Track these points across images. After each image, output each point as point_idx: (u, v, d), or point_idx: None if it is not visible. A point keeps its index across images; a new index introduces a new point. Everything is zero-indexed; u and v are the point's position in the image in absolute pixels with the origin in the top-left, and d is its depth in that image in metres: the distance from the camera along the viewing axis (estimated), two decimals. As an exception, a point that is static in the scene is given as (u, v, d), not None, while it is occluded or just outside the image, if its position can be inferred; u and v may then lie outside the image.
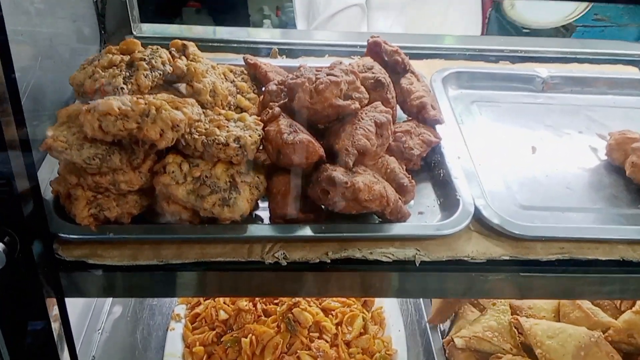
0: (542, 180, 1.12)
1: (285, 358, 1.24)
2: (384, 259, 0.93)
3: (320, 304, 1.37)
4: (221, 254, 0.92)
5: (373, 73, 1.09)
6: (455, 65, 1.44)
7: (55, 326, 1.00)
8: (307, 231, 0.93)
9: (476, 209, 0.98)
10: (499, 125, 1.28)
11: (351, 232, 0.93)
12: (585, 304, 1.34)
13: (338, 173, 0.89)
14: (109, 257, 0.90)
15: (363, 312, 1.41)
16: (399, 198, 0.97)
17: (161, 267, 0.91)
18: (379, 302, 1.50)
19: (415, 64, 1.24)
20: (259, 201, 0.99)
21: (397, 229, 0.94)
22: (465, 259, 0.94)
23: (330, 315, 1.36)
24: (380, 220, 0.97)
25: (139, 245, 0.92)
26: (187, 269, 0.92)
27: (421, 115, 1.13)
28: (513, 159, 1.17)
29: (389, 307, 1.50)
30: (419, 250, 0.93)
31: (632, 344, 1.30)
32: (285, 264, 0.92)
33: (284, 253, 0.92)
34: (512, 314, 1.35)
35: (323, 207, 0.96)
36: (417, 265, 0.93)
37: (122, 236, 0.90)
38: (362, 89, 1.03)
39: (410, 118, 1.15)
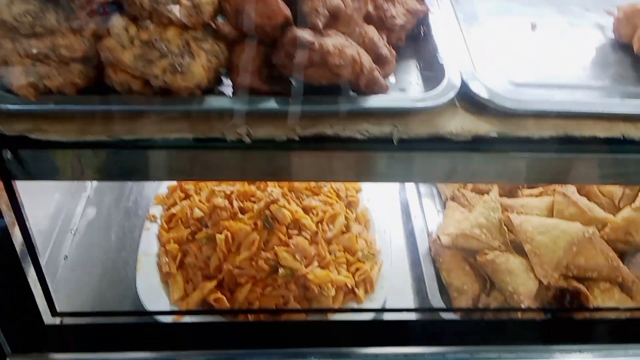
0: (540, 57, 1.01)
1: (262, 254, 1.19)
2: (358, 136, 0.84)
3: (300, 202, 1.31)
4: (178, 130, 0.83)
5: None
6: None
7: (7, 213, 0.94)
8: (272, 104, 0.83)
9: (462, 83, 0.88)
10: (499, 4, 1.14)
11: (322, 106, 0.84)
12: (582, 200, 1.26)
13: (304, 33, 0.78)
14: (54, 132, 0.81)
15: (347, 212, 1.34)
16: (377, 69, 0.87)
17: (113, 145, 0.83)
18: (364, 203, 1.44)
19: None
20: (222, 78, 0.89)
21: (373, 101, 0.84)
22: (448, 136, 0.85)
23: (310, 214, 1.29)
24: (354, 93, 0.87)
25: (88, 119, 0.83)
26: (140, 147, 0.84)
27: (406, -17, 1.00)
28: (510, 35, 1.05)
29: (376, 208, 1.43)
30: (396, 127, 0.84)
31: (629, 242, 1.24)
32: (250, 141, 0.83)
33: (247, 129, 0.83)
34: (505, 211, 1.28)
35: (292, 80, 0.86)
36: (395, 143, 0.84)
37: (64, 107, 0.81)
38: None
39: (396, -12, 1.03)
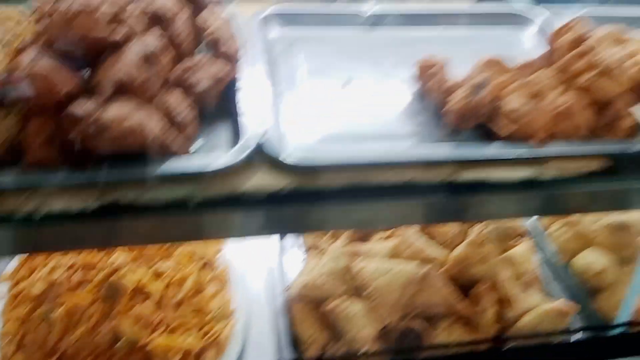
0: (349, 112, 1.07)
1: (102, 326, 1.15)
2: (154, 202, 0.85)
3: (150, 267, 1.28)
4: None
5: (153, 6, 1.00)
6: (281, 4, 1.37)
7: None
8: (68, 177, 0.83)
9: (262, 141, 0.92)
10: (318, 62, 1.21)
11: (116, 174, 0.84)
12: (419, 241, 1.33)
13: (82, 107, 0.79)
14: None
15: (200, 273, 1.33)
16: (179, 133, 0.89)
17: None
18: (224, 261, 1.44)
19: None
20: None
21: (167, 166, 0.86)
22: (245, 194, 0.87)
23: (160, 279, 1.27)
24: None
25: None
26: None
27: (215, 50, 1.05)
28: (323, 93, 1.12)
29: (238, 265, 1.43)
30: (192, 189, 0.86)
31: (470, 274, 1.30)
32: (40, 215, 0.82)
33: (37, 203, 0.82)
34: (351, 257, 1.32)
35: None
36: (192, 205, 0.86)
37: None
38: (134, 21, 0.93)
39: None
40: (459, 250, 1.31)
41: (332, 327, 1.23)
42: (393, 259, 1.29)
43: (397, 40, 1.31)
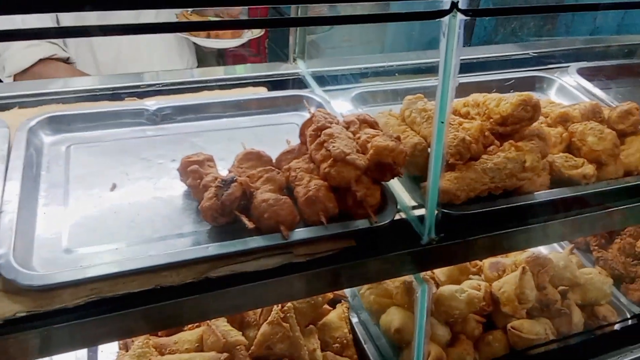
0: (108, 218, 1.08)
1: None
2: None
3: None
4: None
5: None
6: (60, 107, 1.39)
7: None
8: None
9: (-1, 265, 0.90)
10: (91, 166, 1.22)
11: None
12: (221, 326, 1.34)
13: None
14: None
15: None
16: None
17: None
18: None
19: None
20: None
21: None
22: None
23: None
24: None
25: None
26: None
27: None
28: (85, 200, 1.12)
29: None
30: None
31: (272, 353, 1.33)
32: None
33: None
34: (157, 351, 1.31)
35: None
36: None
37: None
38: None
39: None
40: (262, 329, 1.34)
41: None
42: (192, 352, 1.29)
43: (179, 135, 1.36)
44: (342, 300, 1.59)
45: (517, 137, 1.25)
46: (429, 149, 1.21)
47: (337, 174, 1.09)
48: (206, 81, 1.63)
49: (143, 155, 1.28)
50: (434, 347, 1.42)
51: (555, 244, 1.90)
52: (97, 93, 1.53)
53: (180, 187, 1.18)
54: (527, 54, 2.08)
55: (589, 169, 1.24)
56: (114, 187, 1.17)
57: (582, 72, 1.82)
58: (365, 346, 1.50)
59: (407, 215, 1.18)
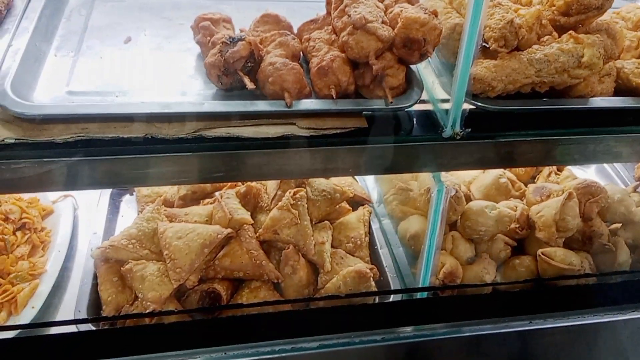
0: (115, 67, 1.05)
1: None
2: None
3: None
4: None
5: None
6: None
7: None
8: None
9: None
10: (112, 18, 1.18)
11: None
12: (231, 203, 1.31)
13: None
14: None
15: (15, 234, 1.32)
16: None
17: None
18: (49, 224, 1.42)
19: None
20: None
21: None
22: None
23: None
24: None
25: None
26: None
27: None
28: (98, 49, 1.09)
29: (64, 228, 1.41)
30: None
31: (279, 239, 1.29)
32: None
33: None
34: (168, 219, 1.31)
35: None
36: None
37: None
38: None
39: None
40: (271, 214, 1.30)
41: (130, 288, 1.22)
42: (212, 223, 1.28)
43: (208, 1, 1.27)
44: (366, 204, 1.51)
45: (581, 31, 1.07)
46: (485, 32, 1.05)
47: (356, 44, 0.97)
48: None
49: (165, 14, 1.22)
50: (449, 259, 1.32)
51: (618, 180, 1.69)
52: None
53: (195, 49, 1.12)
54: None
55: (663, 78, 1.04)
56: (128, 40, 1.12)
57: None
58: (380, 251, 1.43)
59: (433, 105, 1.05)
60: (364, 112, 1.00)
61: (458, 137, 1.01)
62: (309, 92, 0.99)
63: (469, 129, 1.01)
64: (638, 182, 1.57)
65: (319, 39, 1.05)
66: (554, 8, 1.07)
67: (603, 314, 1.31)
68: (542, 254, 1.33)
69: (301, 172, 1.05)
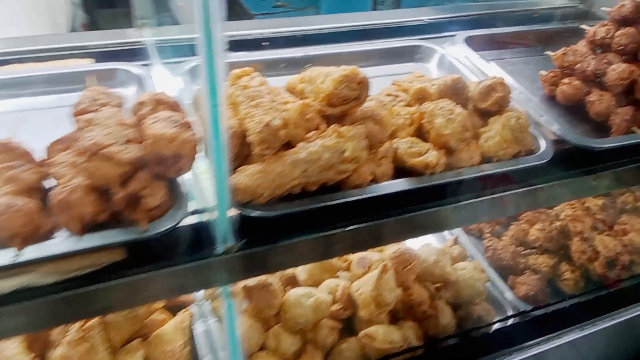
0: None
1: None
2: None
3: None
4: None
5: None
6: None
7: None
8: None
9: None
10: None
11: None
12: (9, 350, 1.13)
13: None
14: None
15: None
16: None
17: None
18: None
19: None
20: None
21: None
22: None
23: None
24: None
25: None
26: None
27: None
28: None
29: None
30: None
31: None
32: None
33: None
34: None
35: None
36: None
37: None
38: None
39: None
40: (56, 353, 1.13)
41: None
42: None
43: None
44: (187, 307, 1.38)
45: (349, 120, 1.05)
46: (247, 135, 1.00)
47: (95, 170, 0.86)
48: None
49: None
50: (269, 361, 1.23)
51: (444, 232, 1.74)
52: None
53: None
54: (422, 20, 1.87)
55: (433, 156, 1.05)
56: None
57: (471, 41, 1.62)
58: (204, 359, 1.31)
59: (203, 219, 0.97)
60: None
61: (234, 251, 0.94)
62: (50, 229, 0.86)
63: (244, 240, 0.94)
64: (456, 235, 1.62)
65: (63, 162, 0.93)
66: (319, 99, 1.05)
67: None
68: (366, 334, 1.29)
69: (45, 323, 0.90)
